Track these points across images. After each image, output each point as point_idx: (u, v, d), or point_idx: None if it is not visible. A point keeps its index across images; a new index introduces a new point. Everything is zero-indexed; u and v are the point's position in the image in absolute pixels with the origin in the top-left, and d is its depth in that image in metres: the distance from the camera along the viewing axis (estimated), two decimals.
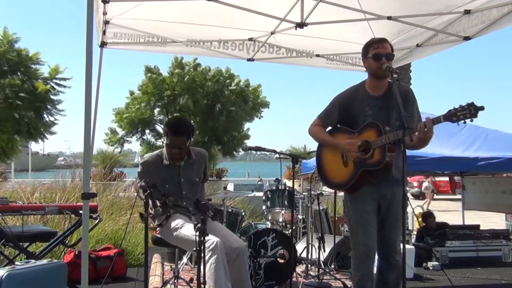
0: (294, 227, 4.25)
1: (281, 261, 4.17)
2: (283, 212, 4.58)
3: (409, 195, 8.61)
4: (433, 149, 5.50)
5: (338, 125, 3.07)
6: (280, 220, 4.61)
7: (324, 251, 4.76)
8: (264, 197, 4.80)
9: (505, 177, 7.56)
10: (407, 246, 3.13)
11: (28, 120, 13.17)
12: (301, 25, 4.10)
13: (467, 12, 4.20)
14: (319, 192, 5.08)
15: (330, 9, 4.10)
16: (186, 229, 3.14)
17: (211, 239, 2.95)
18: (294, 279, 4.15)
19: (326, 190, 6.16)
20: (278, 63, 5.63)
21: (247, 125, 20.28)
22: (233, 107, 18.35)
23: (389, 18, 4.25)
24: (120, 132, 19.66)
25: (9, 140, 13.31)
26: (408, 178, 10.54)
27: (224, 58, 5.43)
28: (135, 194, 3.18)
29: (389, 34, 4.67)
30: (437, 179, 18.49)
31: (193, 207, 3.43)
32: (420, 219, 6.71)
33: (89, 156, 2.79)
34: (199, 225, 2.62)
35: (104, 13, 4.25)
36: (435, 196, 18.05)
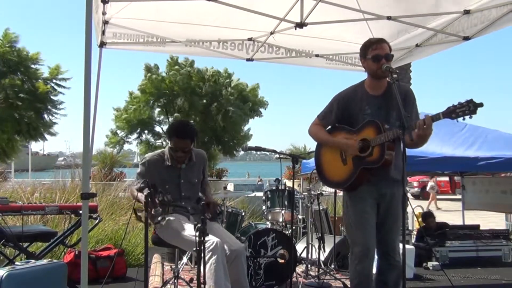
0: (294, 227, 4.25)
1: (281, 261, 4.17)
2: (283, 212, 4.58)
3: (409, 195, 8.60)
4: (433, 149, 5.50)
5: (337, 124, 3.07)
6: (280, 220, 4.62)
7: (324, 251, 4.76)
8: (264, 197, 4.81)
9: (505, 177, 7.56)
10: (407, 246, 3.13)
11: (28, 120, 13.17)
12: (300, 25, 4.10)
13: (467, 12, 4.20)
14: (319, 192, 5.07)
15: (329, 9, 4.10)
16: (186, 229, 3.14)
17: (211, 239, 2.96)
18: (294, 279, 4.15)
19: (326, 190, 6.15)
20: (277, 63, 5.64)
21: (247, 126, 20.24)
22: (231, 107, 18.32)
23: (389, 18, 4.25)
24: (120, 133, 19.64)
25: (9, 140, 13.31)
26: (408, 178, 10.53)
27: (223, 58, 5.44)
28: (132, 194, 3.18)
29: (389, 34, 4.67)
30: (438, 179, 18.47)
31: (192, 207, 3.44)
32: (420, 219, 6.71)
33: (88, 156, 2.80)
34: (199, 225, 2.62)
35: (104, 13, 4.26)
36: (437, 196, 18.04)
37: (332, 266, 4.95)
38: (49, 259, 3.34)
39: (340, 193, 4.56)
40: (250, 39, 5.19)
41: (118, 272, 4.67)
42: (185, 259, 4.27)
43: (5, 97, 12.74)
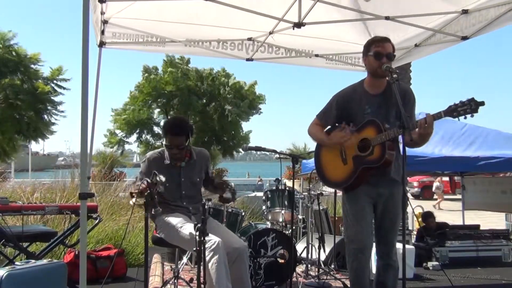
0: (294, 227, 4.25)
1: (281, 261, 4.16)
2: (283, 212, 4.58)
3: (409, 195, 8.60)
4: (433, 149, 5.51)
5: (337, 124, 3.07)
6: (280, 220, 4.61)
7: (324, 251, 4.76)
8: (264, 197, 4.80)
9: (505, 177, 7.57)
10: (407, 246, 3.13)
11: (28, 120, 13.16)
12: (298, 25, 4.10)
13: (465, 12, 4.20)
14: (319, 192, 5.07)
15: (327, 9, 4.10)
16: (186, 229, 3.14)
17: (212, 239, 2.95)
18: (294, 279, 4.15)
19: (326, 190, 6.16)
20: (277, 63, 5.63)
21: (247, 127, 20.21)
22: (229, 106, 18.29)
23: (387, 18, 4.26)
24: (119, 133, 19.61)
25: (9, 140, 13.30)
26: (408, 178, 10.53)
27: (223, 58, 5.44)
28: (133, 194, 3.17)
29: (387, 34, 4.66)
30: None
31: (193, 207, 3.44)
32: (420, 219, 6.72)
33: (85, 156, 2.79)
34: (199, 225, 2.62)
35: (102, 13, 4.26)
36: (435, 196, 18.04)
37: (332, 266, 4.95)
38: (49, 259, 3.34)
39: (340, 193, 4.55)
40: (249, 39, 5.19)
41: (118, 272, 4.66)
42: (185, 259, 4.27)
43: (5, 97, 12.72)
